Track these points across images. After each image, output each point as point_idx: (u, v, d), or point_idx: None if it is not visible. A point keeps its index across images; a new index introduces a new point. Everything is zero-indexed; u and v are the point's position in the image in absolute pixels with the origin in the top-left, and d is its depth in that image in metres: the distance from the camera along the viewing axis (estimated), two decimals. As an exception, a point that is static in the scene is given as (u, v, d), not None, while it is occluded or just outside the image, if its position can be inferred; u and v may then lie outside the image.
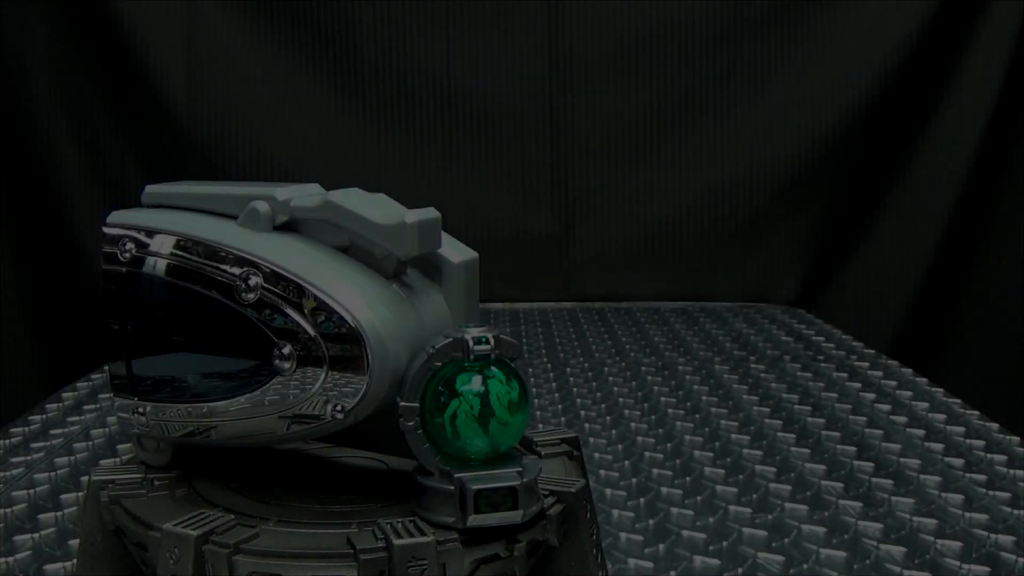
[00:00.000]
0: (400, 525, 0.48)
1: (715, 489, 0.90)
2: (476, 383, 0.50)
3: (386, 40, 1.81)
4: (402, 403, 0.49)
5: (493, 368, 0.50)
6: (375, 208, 0.52)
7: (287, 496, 0.55)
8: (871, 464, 0.95)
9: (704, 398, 1.19)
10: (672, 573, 0.74)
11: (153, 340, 0.55)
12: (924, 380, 1.26)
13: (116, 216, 0.58)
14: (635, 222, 1.86)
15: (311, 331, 0.50)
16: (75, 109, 1.80)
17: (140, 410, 0.56)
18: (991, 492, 0.88)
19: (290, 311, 0.50)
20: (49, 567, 0.74)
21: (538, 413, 1.13)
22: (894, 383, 1.24)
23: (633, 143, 1.84)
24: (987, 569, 0.74)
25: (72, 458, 0.98)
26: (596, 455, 0.99)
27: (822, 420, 1.09)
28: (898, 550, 0.77)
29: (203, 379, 0.54)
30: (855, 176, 1.84)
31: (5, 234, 1.78)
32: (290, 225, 0.54)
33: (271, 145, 1.81)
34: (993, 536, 0.79)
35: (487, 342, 0.50)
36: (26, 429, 1.09)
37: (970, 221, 1.83)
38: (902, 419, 1.09)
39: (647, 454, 0.99)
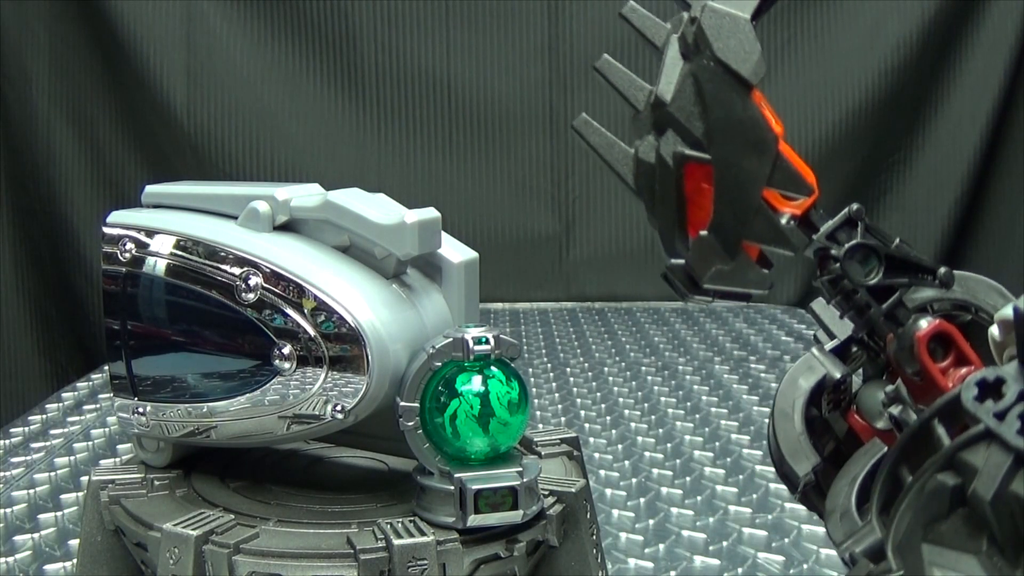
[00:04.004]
0: (400, 525, 0.48)
1: (715, 489, 0.90)
2: (476, 383, 0.50)
3: (386, 40, 1.81)
4: (402, 403, 0.50)
5: (493, 368, 0.50)
6: (375, 208, 0.52)
7: (287, 496, 0.55)
8: (871, 464, 0.95)
9: (704, 398, 1.19)
10: (672, 573, 0.74)
11: (153, 340, 0.55)
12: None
13: (116, 216, 0.58)
14: (635, 222, 1.86)
15: (311, 331, 0.50)
16: (75, 109, 1.80)
17: (140, 410, 0.56)
18: (991, 492, 0.88)
19: (290, 311, 0.50)
20: (49, 567, 0.74)
21: (538, 413, 1.13)
22: (894, 383, 1.24)
23: (633, 143, 1.84)
24: (987, 569, 0.74)
25: (72, 458, 0.98)
26: (596, 455, 0.99)
27: (822, 420, 1.09)
28: (898, 550, 0.77)
29: (203, 379, 0.54)
30: (855, 176, 1.84)
31: (5, 234, 1.78)
32: (290, 225, 0.54)
33: (271, 145, 1.81)
34: (993, 536, 0.79)
35: (487, 342, 0.50)
36: (26, 429, 1.09)
37: (970, 221, 1.83)
38: (902, 419, 1.09)
39: (647, 454, 0.99)
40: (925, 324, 0.40)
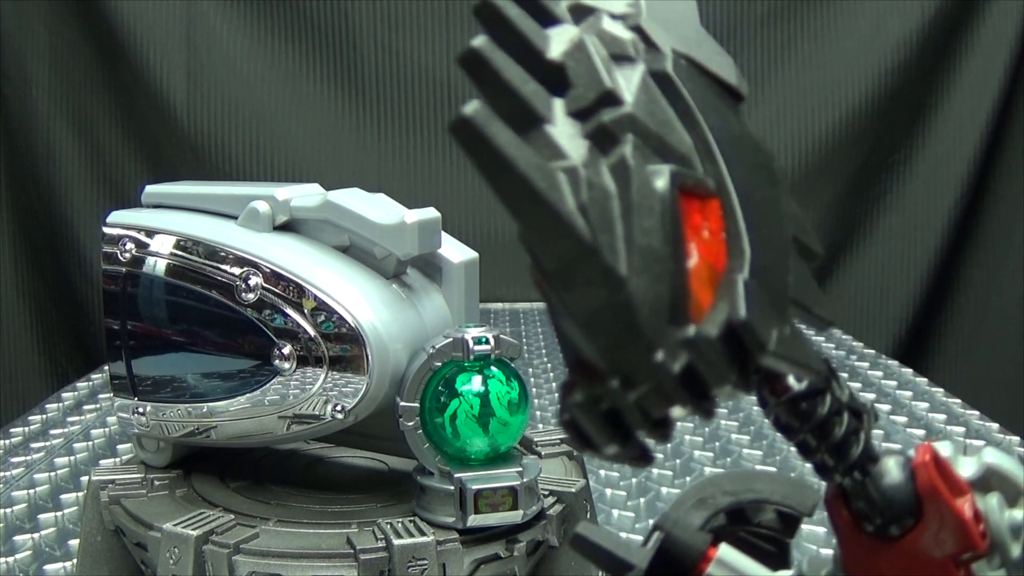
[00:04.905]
0: (400, 525, 0.48)
1: (715, 489, 0.90)
2: (476, 383, 0.50)
3: (386, 40, 1.81)
4: (402, 403, 0.50)
5: (493, 368, 0.50)
6: (375, 208, 0.52)
7: (287, 496, 0.55)
8: (871, 464, 0.95)
9: (704, 398, 1.18)
10: (672, 573, 0.74)
11: (153, 340, 0.55)
12: (924, 380, 1.26)
13: (116, 216, 0.58)
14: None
15: (311, 331, 0.50)
16: (75, 109, 1.80)
17: (140, 410, 0.56)
18: (991, 492, 0.88)
19: (290, 311, 0.50)
20: (49, 567, 0.74)
21: (538, 413, 1.13)
22: (894, 383, 1.24)
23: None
24: (987, 569, 0.74)
25: (72, 458, 0.98)
26: (596, 455, 0.99)
27: (822, 420, 1.09)
28: (898, 550, 0.77)
29: (203, 379, 0.54)
30: (855, 176, 1.84)
31: (5, 234, 1.78)
32: (290, 225, 0.54)
33: (271, 145, 1.81)
34: (993, 536, 0.79)
35: (487, 342, 0.50)
36: (26, 429, 1.09)
37: (970, 221, 1.83)
38: (902, 419, 1.09)
39: (647, 454, 0.99)
40: (911, 453, 0.33)
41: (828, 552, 0.37)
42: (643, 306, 0.24)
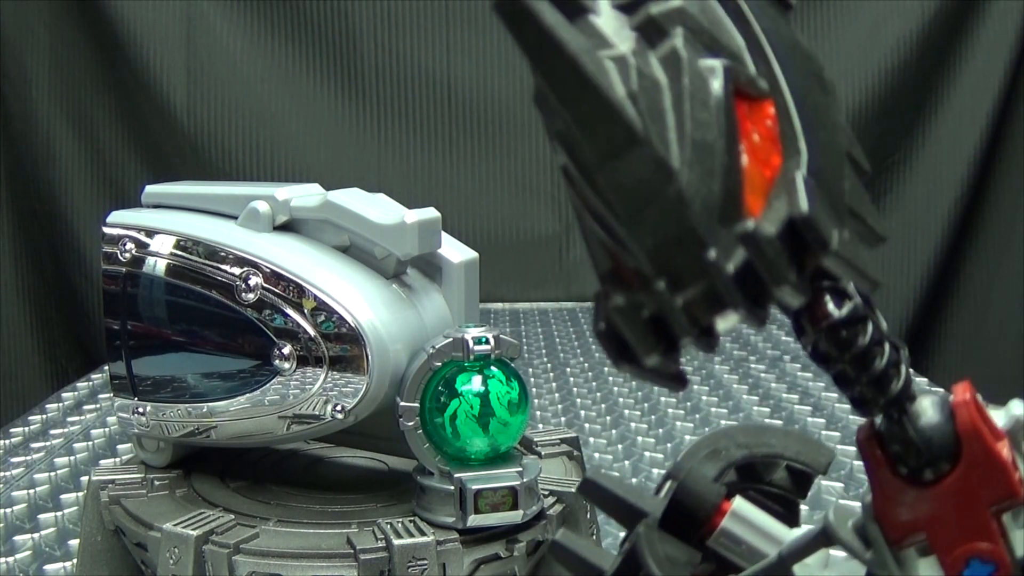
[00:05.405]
0: (400, 525, 0.48)
1: (715, 489, 0.90)
2: (476, 383, 0.50)
3: (386, 40, 1.81)
4: (402, 403, 0.50)
5: (493, 368, 0.50)
6: (375, 208, 0.52)
7: (287, 496, 0.55)
8: (871, 464, 0.95)
9: (704, 398, 1.19)
10: (672, 573, 0.74)
11: (153, 340, 0.55)
12: (924, 380, 1.26)
13: (116, 216, 0.58)
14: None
15: (311, 331, 0.50)
16: (75, 109, 1.80)
17: (140, 410, 0.56)
18: (991, 492, 0.88)
19: (290, 311, 0.50)
20: (49, 567, 0.74)
21: (538, 413, 1.13)
22: (894, 383, 1.24)
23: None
24: (987, 569, 0.74)
25: (72, 458, 0.98)
26: (596, 455, 0.99)
27: (822, 420, 1.09)
28: (898, 550, 0.77)
29: (203, 379, 0.54)
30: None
31: (5, 234, 1.78)
32: (290, 225, 0.54)
33: (271, 145, 1.81)
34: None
35: (487, 342, 0.50)
36: (26, 429, 1.09)
37: (970, 221, 1.83)
38: (902, 419, 1.09)
39: (647, 454, 0.99)
40: (950, 393, 0.32)
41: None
42: (695, 200, 0.22)
